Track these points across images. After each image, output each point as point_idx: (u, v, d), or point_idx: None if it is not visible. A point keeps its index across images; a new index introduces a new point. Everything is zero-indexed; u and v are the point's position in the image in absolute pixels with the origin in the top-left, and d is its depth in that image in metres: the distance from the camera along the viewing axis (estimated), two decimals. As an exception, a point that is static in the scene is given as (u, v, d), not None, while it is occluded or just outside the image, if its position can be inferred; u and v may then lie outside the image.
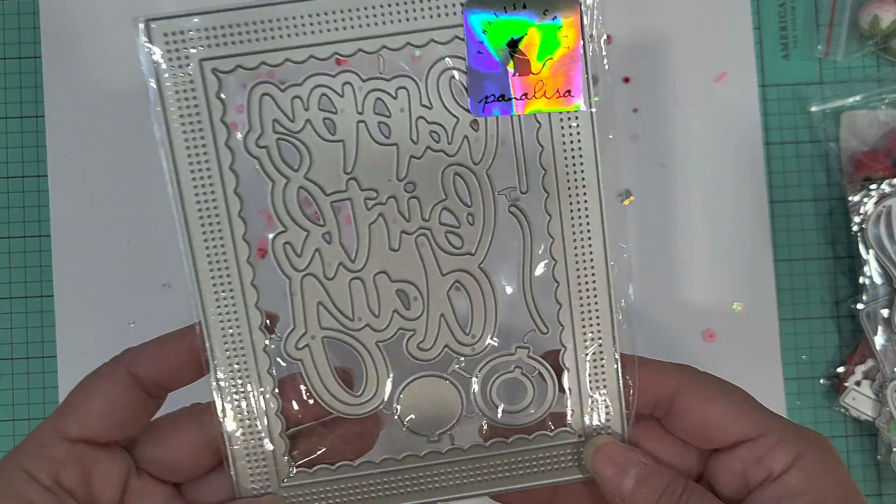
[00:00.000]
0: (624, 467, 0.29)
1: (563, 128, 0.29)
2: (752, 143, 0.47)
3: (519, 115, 0.28)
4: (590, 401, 0.30)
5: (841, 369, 0.45)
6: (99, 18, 0.47)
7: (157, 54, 0.27)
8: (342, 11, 0.27)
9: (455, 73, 0.28)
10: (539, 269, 0.30)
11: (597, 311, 0.30)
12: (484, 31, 0.28)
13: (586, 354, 0.30)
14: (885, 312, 0.44)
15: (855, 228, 0.45)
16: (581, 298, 0.30)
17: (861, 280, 0.45)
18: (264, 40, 0.28)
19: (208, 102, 0.28)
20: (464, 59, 0.28)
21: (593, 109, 0.29)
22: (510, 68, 0.28)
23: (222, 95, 0.28)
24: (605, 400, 0.30)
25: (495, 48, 0.28)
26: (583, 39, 0.28)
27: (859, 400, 0.44)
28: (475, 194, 0.29)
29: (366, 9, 0.27)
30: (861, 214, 0.44)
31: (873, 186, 0.44)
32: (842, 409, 0.45)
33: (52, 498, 0.28)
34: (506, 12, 0.27)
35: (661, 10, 0.47)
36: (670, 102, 0.47)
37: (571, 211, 0.29)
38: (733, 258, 0.46)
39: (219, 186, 0.29)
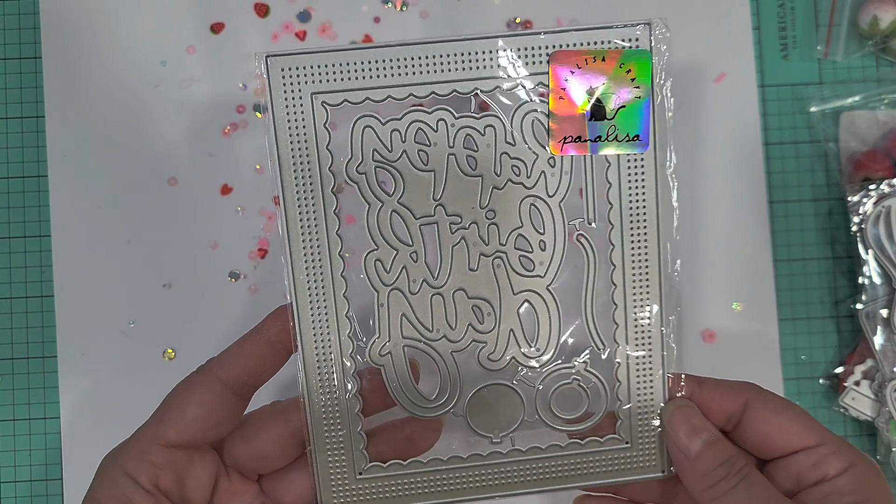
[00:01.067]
0: (697, 430, 0.32)
1: (629, 168, 0.32)
2: (752, 144, 0.47)
3: (592, 155, 0.32)
4: (638, 412, 0.34)
5: (840, 369, 0.45)
6: (99, 19, 0.47)
7: (274, 86, 0.31)
8: (441, 56, 0.31)
9: (538, 114, 0.32)
10: (600, 292, 0.33)
11: (649, 333, 0.33)
12: (566, 80, 0.31)
13: (637, 371, 0.33)
14: (884, 312, 0.44)
15: (854, 228, 0.45)
16: (636, 321, 0.33)
17: (860, 280, 0.45)
18: (370, 78, 0.31)
19: (316, 131, 0.31)
20: (547, 102, 0.31)
21: (657, 152, 0.32)
22: (587, 113, 0.32)
23: (328, 125, 0.31)
24: (651, 414, 0.34)
25: (575, 95, 0.31)
26: (652, 90, 0.32)
27: (858, 400, 0.44)
28: (548, 223, 0.32)
29: (462, 55, 0.31)
30: (860, 214, 0.44)
31: (872, 187, 0.44)
32: (841, 409, 0.45)
33: (151, 500, 0.31)
34: (587, 64, 0.31)
35: (660, 11, 0.47)
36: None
37: (633, 242, 0.33)
38: (733, 258, 0.46)
39: (320, 205, 0.32)
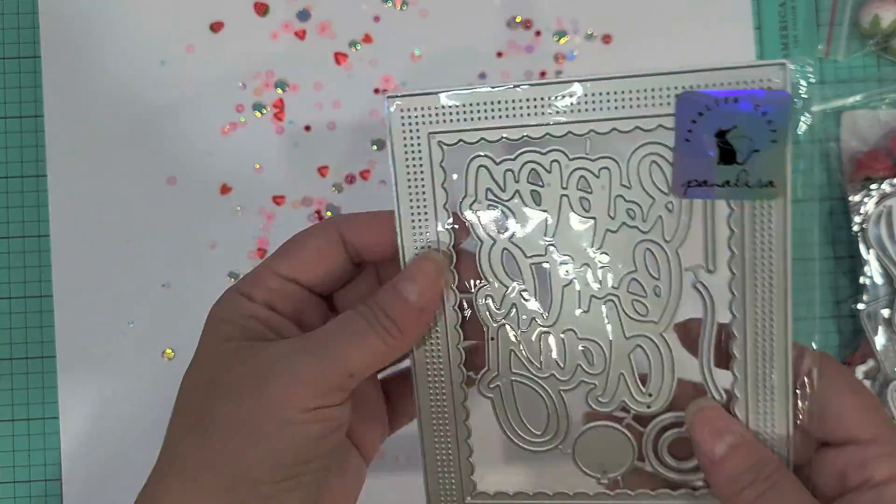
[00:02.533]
0: (721, 433, 0.30)
1: (755, 216, 0.31)
2: (753, 143, 0.47)
3: (713, 201, 0.31)
4: None
5: (841, 369, 0.45)
6: (98, 18, 0.47)
7: (394, 125, 0.32)
8: (554, 98, 0.31)
9: (657, 157, 0.31)
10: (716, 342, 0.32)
11: (772, 391, 0.31)
12: (693, 122, 0.30)
13: (757, 427, 0.31)
14: (885, 312, 0.44)
15: (855, 228, 0.44)
16: (757, 375, 0.31)
17: (862, 280, 0.45)
18: (485, 119, 0.31)
19: (432, 170, 0.32)
20: (666, 145, 0.30)
21: (787, 202, 0.30)
22: (715, 156, 0.30)
23: (443, 164, 0.32)
24: None
25: (704, 136, 0.30)
26: (788, 136, 0.30)
27: (860, 400, 0.44)
28: (664, 269, 0.32)
29: (577, 95, 0.31)
30: (862, 214, 0.44)
31: (874, 186, 0.44)
32: (842, 410, 0.45)
33: (272, 314, 0.31)
34: (717, 106, 0.30)
35: (661, 10, 0.47)
36: (670, 102, 0.47)
37: (756, 293, 0.31)
38: (734, 258, 0.46)
39: (434, 240, 0.32)
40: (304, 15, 0.47)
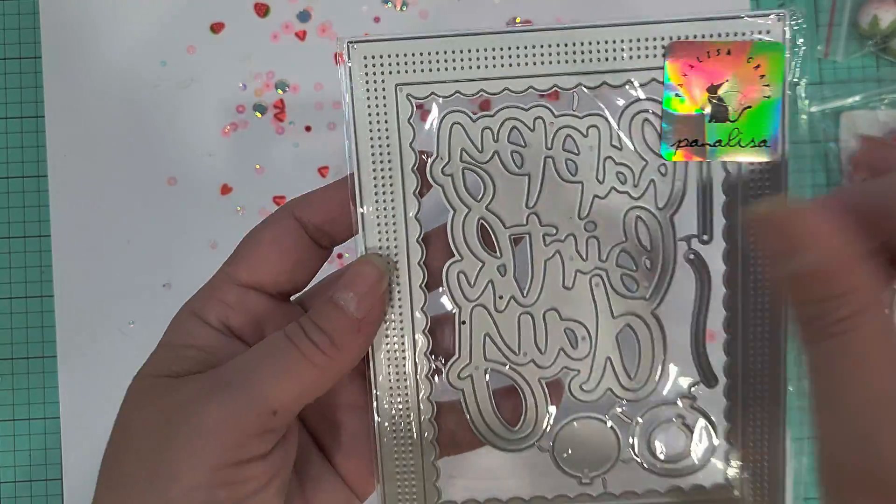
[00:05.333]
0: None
1: (752, 178, 0.28)
2: (752, 144, 0.47)
3: (709, 162, 0.28)
4: (751, 459, 0.29)
5: (840, 369, 0.45)
6: (99, 19, 0.47)
7: (355, 75, 0.28)
8: (541, 46, 0.27)
9: (649, 115, 0.28)
10: (712, 320, 0.29)
11: (767, 369, 0.29)
12: (684, 75, 0.27)
13: (752, 412, 0.29)
14: (884, 312, 0.44)
15: (854, 228, 0.45)
16: (752, 354, 0.29)
17: (860, 280, 0.45)
18: (460, 69, 0.28)
19: (399, 126, 0.28)
20: (659, 101, 0.28)
21: (787, 162, 0.28)
22: (706, 114, 0.28)
23: (412, 121, 0.28)
24: (765, 461, 0.29)
25: (694, 92, 0.28)
26: (784, 90, 0.27)
27: (859, 400, 0.44)
28: (656, 239, 0.29)
29: (566, 45, 0.27)
30: (860, 214, 0.44)
31: (873, 186, 0.44)
32: (841, 409, 0.45)
33: (219, 338, 0.28)
34: (709, 57, 0.27)
35: (661, 9, 0.47)
36: (670, 102, 0.47)
37: (752, 265, 0.28)
38: (733, 258, 0.46)
39: (400, 209, 0.28)
40: (304, 16, 0.47)
